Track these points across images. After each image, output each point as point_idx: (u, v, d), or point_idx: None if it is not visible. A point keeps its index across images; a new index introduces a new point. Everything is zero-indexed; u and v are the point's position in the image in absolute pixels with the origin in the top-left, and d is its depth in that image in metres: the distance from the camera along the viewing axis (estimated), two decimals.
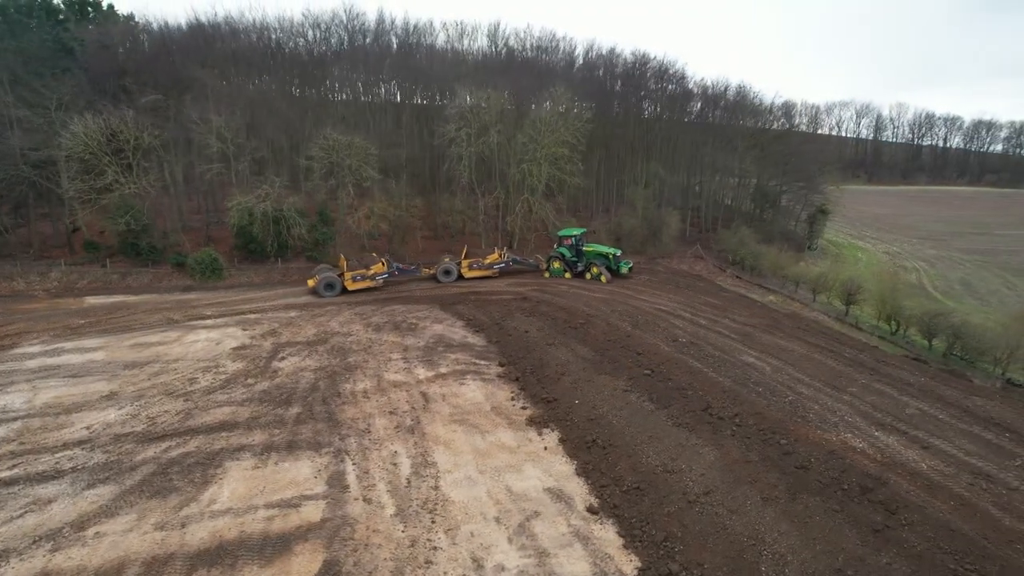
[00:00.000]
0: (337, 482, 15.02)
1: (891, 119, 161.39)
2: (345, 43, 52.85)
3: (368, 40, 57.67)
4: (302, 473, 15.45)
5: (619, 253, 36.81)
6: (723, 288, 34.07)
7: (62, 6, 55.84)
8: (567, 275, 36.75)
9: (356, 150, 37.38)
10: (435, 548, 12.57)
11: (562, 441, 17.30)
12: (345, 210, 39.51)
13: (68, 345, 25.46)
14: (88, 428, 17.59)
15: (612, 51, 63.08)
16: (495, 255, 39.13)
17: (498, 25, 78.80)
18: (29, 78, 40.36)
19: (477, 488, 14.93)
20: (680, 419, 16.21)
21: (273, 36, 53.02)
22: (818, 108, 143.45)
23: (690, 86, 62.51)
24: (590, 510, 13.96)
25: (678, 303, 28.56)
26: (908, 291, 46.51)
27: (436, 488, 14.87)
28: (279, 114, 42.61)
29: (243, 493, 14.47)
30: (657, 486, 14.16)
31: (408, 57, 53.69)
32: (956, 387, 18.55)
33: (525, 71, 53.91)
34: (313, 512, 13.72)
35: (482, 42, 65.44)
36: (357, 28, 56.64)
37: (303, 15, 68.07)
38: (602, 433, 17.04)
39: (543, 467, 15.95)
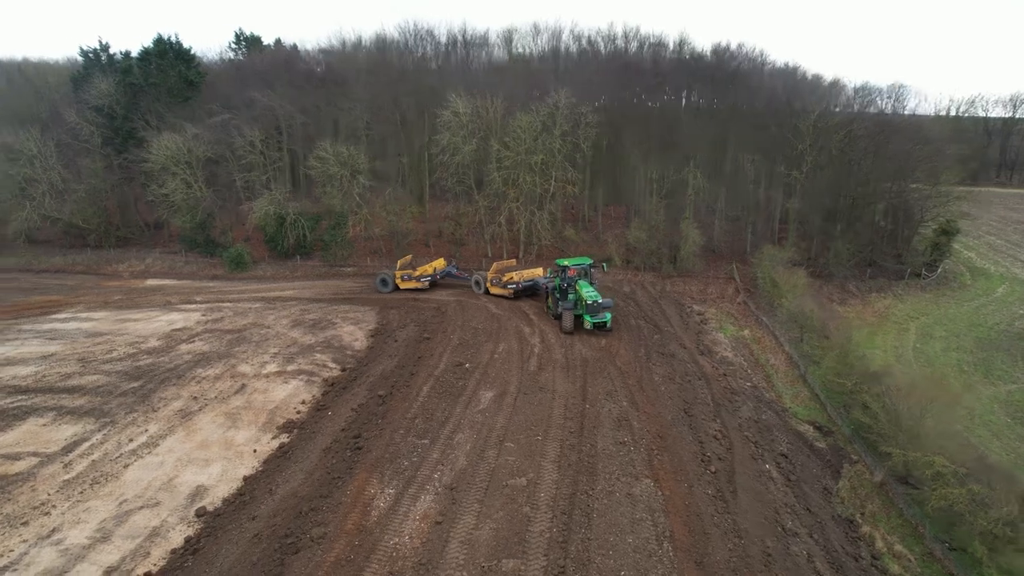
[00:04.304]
0: (73, 446, 17.98)
1: None
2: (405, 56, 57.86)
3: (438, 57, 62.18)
4: (64, 435, 18.76)
5: (597, 301, 27.03)
6: (662, 316, 29.52)
7: (234, 44, 71.78)
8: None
9: (346, 159, 41.17)
10: (47, 514, 14.66)
11: (280, 447, 17.95)
12: (349, 216, 43.73)
13: (83, 315, 33.22)
14: None
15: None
16: (513, 274, 33.28)
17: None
18: (161, 108, 52.65)
19: (154, 473, 16.61)
20: (333, 447, 15.74)
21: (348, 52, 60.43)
22: None
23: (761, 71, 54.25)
24: (199, 513, 14.68)
25: (551, 329, 26.22)
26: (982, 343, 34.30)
27: (127, 466, 16.93)
28: (305, 127, 48.88)
29: (7, 443, 18.20)
30: (259, 505, 14.25)
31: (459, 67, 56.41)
32: (676, 470, 14.00)
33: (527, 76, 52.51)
34: (23, 466, 16.84)
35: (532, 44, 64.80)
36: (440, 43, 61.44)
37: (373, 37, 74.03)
38: (303, 448, 17.27)
39: (228, 467, 16.93)
